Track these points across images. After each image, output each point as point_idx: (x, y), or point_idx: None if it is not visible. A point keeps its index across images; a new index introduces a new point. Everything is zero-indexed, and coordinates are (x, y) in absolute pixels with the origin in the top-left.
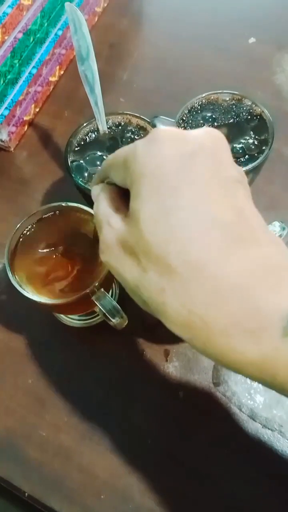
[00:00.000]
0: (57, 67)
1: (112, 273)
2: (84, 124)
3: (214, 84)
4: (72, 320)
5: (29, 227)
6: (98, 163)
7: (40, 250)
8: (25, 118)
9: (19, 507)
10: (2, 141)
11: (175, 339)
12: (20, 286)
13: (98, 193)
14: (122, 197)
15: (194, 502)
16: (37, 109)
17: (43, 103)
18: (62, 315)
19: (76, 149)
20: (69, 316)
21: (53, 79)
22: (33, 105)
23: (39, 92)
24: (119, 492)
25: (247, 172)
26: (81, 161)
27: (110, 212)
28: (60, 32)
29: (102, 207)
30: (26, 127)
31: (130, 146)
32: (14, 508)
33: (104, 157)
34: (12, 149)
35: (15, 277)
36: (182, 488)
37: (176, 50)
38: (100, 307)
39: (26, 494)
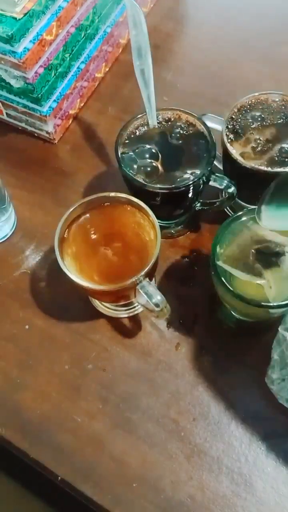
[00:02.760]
0: (103, 64)
1: None
2: (136, 117)
3: (258, 87)
4: (109, 310)
5: (79, 215)
6: (147, 155)
7: (88, 239)
8: (70, 112)
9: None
10: (47, 132)
11: (212, 336)
12: (70, 272)
13: None
14: None
15: (225, 498)
16: (82, 104)
17: (88, 99)
18: (100, 304)
19: (126, 141)
20: (107, 305)
21: (98, 75)
22: (78, 100)
23: (85, 87)
24: (150, 482)
25: None
26: (131, 153)
27: None
28: (108, 29)
29: None
30: (70, 121)
31: None
32: (37, 498)
33: (153, 150)
34: (56, 141)
35: (65, 264)
36: (213, 484)
37: (220, 54)
38: (145, 295)
39: (59, 478)
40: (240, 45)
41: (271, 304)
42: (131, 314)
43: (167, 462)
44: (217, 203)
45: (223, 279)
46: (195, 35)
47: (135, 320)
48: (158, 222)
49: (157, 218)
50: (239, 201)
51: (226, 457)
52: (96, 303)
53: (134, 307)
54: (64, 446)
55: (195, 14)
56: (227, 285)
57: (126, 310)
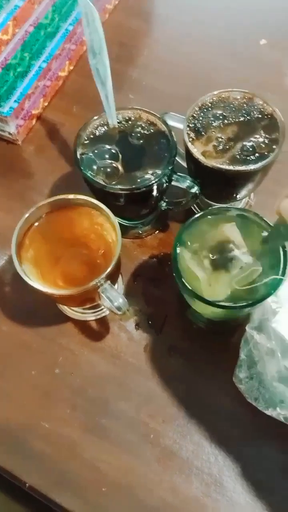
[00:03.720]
0: (67, 62)
1: None
2: (95, 118)
3: (224, 85)
4: (76, 313)
5: (38, 219)
6: (106, 156)
7: (47, 242)
8: (33, 112)
9: (20, 501)
10: (10, 133)
11: (181, 337)
12: (28, 277)
13: None
14: None
15: (196, 499)
16: (46, 104)
17: (52, 98)
18: (67, 308)
19: (85, 142)
20: (74, 309)
21: (62, 74)
22: (41, 99)
23: (48, 86)
24: (122, 487)
25: (257, 170)
26: (90, 154)
27: None
28: (70, 27)
29: None
30: (34, 121)
31: None
32: (15, 502)
33: (113, 151)
34: (19, 142)
35: (22, 269)
36: (184, 486)
37: (186, 51)
38: (106, 299)
39: (27, 485)
40: (206, 42)
41: (210, 300)
42: (98, 317)
43: (139, 465)
44: (183, 202)
45: (181, 275)
46: (161, 32)
47: (103, 322)
48: (125, 223)
49: (123, 218)
50: (205, 199)
51: (196, 458)
52: (64, 307)
53: (102, 309)
54: (33, 452)
55: (161, 11)
56: (184, 281)
57: (93, 313)
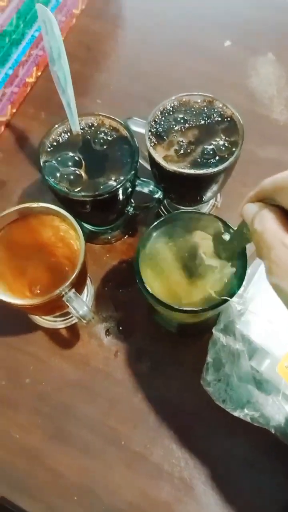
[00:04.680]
0: (34, 68)
1: (281, 295)
2: (57, 125)
3: (189, 86)
4: (46, 321)
5: (2, 228)
6: (70, 163)
7: (12, 252)
8: (1, 119)
9: None
10: None
11: (151, 341)
12: None
13: (257, 211)
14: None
15: (166, 504)
16: (14, 110)
17: (19, 104)
18: (37, 317)
19: (49, 149)
20: (44, 317)
21: (30, 80)
22: (9, 106)
23: (16, 93)
24: (88, 492)
25: (218, 173)
26: (53, 162)
27: (283, 233)
28: (36, 34)
29: (273, 227)
30: (2, 129)
31: None
32: None
33: (76, 158)
34: None
35: None
36: (154, 490)
37: (152, 53)
38: (71, 308)
39: None
40: (171, 44)
41: (172, 305)
42: (68, 324)
43: (106, 470)
44: (150, 206)
45: (144, 283)
46: (127, 36)
47: (73, 330)
48: (94, 229)
49: (91, 224)
50: (172, 203)
51: (167, 462)
52: (33, 315)
53: (71, 317)
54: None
55: (126, 15)
56: (146, 286)
57: (63, 320)
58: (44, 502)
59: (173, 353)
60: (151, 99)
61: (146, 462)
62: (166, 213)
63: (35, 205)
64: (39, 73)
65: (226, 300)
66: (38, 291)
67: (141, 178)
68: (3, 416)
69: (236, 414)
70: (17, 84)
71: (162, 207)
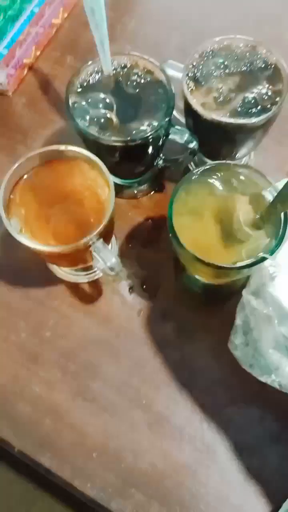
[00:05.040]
0: (61, 9)
1: None
2: (88, 63)
3: (224, 34)
4: (68, 274)
5: (27, 172)
6: (100, 105)
7: (37, 198)
8: (25, 61)
9: (9, 464)
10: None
11: (176, 302)
12: (17, 233)
13: None
14: None
15: (188, 466)
16: (38, 53)
17: (44, 47)
18: (58, 269)
19: (78, 90)
20: (66, 270)
21: (56, 21)
22: (34, 48)
23: (41, 34)
24: (111, 452)
25: (259, 124)
26: (83, 103)
27: None
28: None
29: None
30: (25, 71)
31: None
32: (4, 465)
33: (107, 100)
34: (10, 93)
35: (10, 223)
36: (175, 452)
37: (186, 0)
38: (99, 258)
39: (16, 449)
40: None
41: (208, 261)
42: (91, 279)
43: (128, 431)
44: (180, 159)
45: (178, 237)
46: None
47: (96, 285)
48: (120, 182)
49: (118, 177)
50: (204, 158)
51: (189, 424)
52: (54, 268)
53: (94, 271)
54: (22, 417)
55: None
56: (181, 242)
57: (86, 274)
58: (69, 462)
59: (198, 316)
60: (183, 48)
61: (169, 424)
62: None
63: (63, 147)
64: (66, 15)
65: (265, 259)
66: (62, 241)
67: (176, 126)
68: (24, 367)
69: (263, 379)
70: (42, 25)
71: (191, 163)
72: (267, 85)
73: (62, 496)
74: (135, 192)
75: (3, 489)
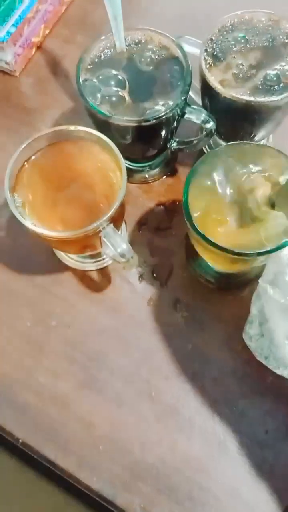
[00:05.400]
0: None
1: None
2: (101, 38)
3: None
4: (75, 261)
5: (35, 153)
6: (112, 83)
7: (45, 181)
8: (33, 40)
9: (13, 455)
10: (6, 63)
11: (187, 290)
12: (23, 218)
13: None
14: None
15: (197, 459)
16: (47, 31)
17: (53, 25)
18: (65, 256)
19: (89, 66)
20: (73, 257)
21: None
22: (42, 26)
23: (50, 11)
24: (118, 444)
25: (281, 103)
26: (94, 80)
27: None
28: None
29: None
30: (33, 51)
31: None
32: (7, 456)
33: (120, 77)
34: (17, 73)
35: (17, 209)
36: (185, 445)
37: None
38: (109, 244)
39: (20, 441)
40: None
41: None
42: (99, 267)
43: (136, 422)
44: (195, 141)
45: (194, 223)
46: None
47: (104, 273)
48: (131, 165)
49: (129, 160)
50: (219, 140)
51: (199, 416)
52: (61, 254)
53: (103, 259)
54: (26, 407)
55: None
56: (197, 228)
57: (94, 262)
58: (75, 454)
59: (210, 305)
60: (199, 25)
61: (178, 416)
62: None
63: (72, 128)
64: None
65: (286, 244)
66: (70, 226)
67: (192, 106)
68: (29, 356)
69: (279, 372)
70: (52, 2)
71: (206, 146)
72: None
73: (67, 487)
74: (146, 176)
75: (7, 480)
